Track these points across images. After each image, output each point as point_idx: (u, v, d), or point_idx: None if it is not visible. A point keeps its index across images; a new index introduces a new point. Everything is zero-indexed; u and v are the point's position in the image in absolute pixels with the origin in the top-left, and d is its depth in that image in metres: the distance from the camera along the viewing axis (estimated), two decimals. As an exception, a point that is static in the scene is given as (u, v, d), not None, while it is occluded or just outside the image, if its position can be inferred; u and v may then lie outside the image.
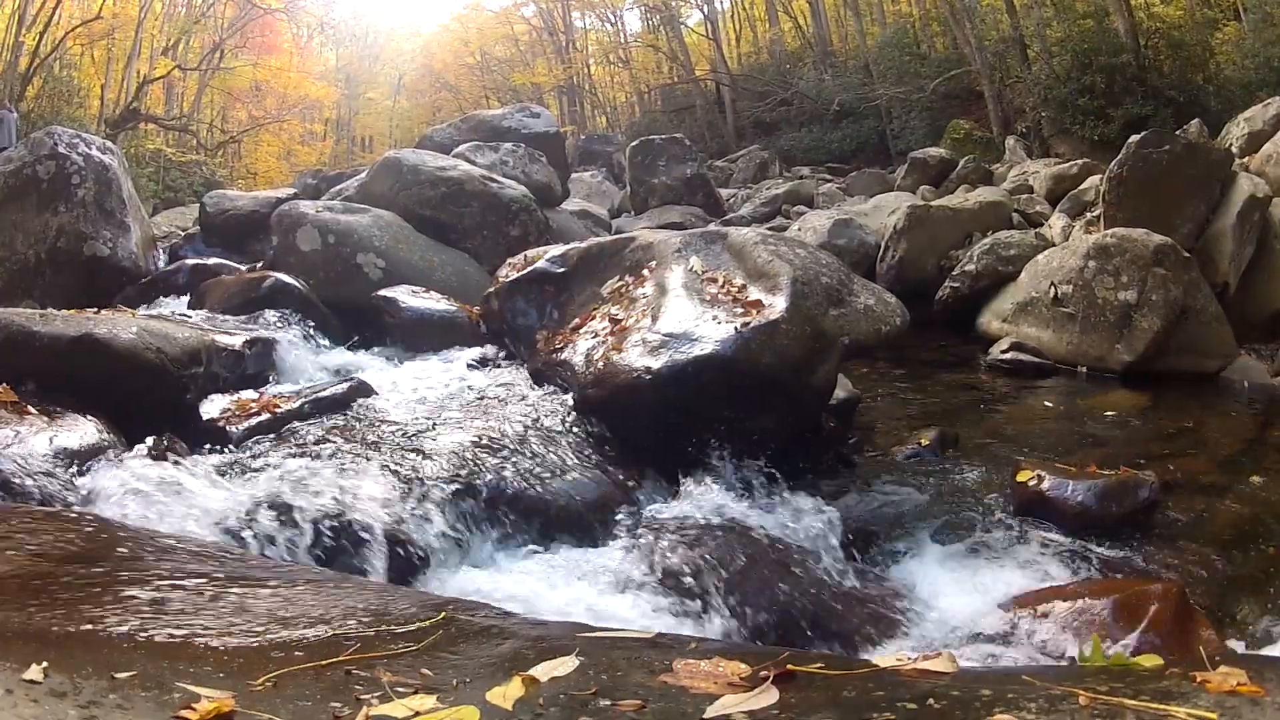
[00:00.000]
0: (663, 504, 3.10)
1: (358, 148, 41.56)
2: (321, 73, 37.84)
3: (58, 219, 6.17)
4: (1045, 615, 2.43)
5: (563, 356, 3.77)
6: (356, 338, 5.00)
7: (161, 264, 6.97)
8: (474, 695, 1.20)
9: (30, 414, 2.76)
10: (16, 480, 2.42)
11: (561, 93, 36.48)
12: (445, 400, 3.71)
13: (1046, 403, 5.41)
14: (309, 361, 4.51)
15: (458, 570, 2.55)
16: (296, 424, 3.30)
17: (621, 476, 3.16)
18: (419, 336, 4.80)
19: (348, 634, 1.54)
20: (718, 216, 12.20)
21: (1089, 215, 8.08)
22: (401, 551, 2.49)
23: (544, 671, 1.29)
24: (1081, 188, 9.40)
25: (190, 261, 6.65)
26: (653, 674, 1.32)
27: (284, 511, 2.47)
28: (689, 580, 2.54)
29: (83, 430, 2.78)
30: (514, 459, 3.00)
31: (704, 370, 3.16)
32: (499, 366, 4.31)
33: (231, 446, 3.09)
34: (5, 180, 6.31)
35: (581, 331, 3.85)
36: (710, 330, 3.27)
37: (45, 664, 1.14)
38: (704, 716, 1.13)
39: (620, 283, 4.07)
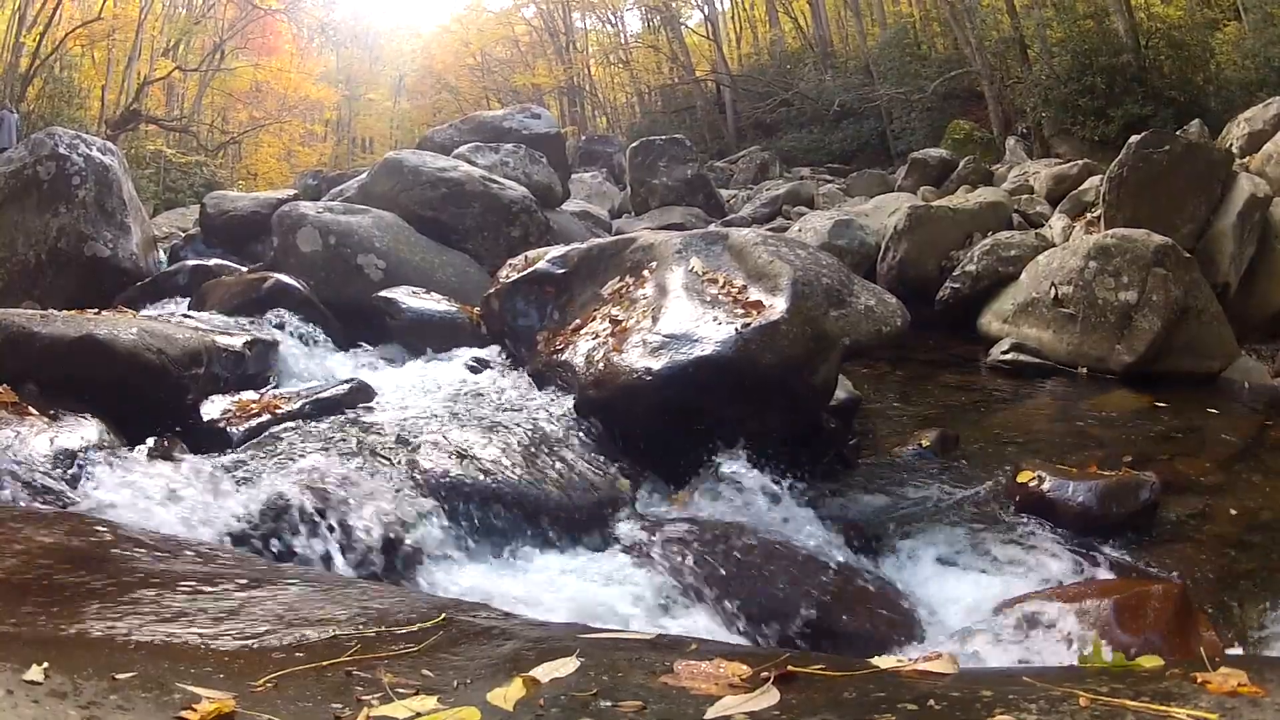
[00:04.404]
0: (663, 505, 3.10)
1: (358, 149, 41.52)
2: (322, 74, 37.74)
3: (58, 220, 6.16)
4: (1046, 616, 2.43)
5: (563, 357, 3.77)
6: (357, 339, 4.99)
7: (162, 265, 6.97)
8: (475, 696, 1.20)
9: (31, 415, 2.77)
10: (17, 481, 2.42)
11: (562, 93, 36.46)
12: (445, 401, 3.70)
13: (1047, 403, 5.41)
14: (309, 363, 4.51)
15: (458, 571, 2.55)
16: (297, 425, 3.29)
17: (622, 477, 3.16)
18: (420, 337, 4.80)
19: (348, 635, 1.54)
20: (718, 217, 12.19)
21: (1089, 216, 8.08)
22: (402, 552, 2.49)
23: (545, 672, 1.29)
24: (1082, 188, 9.38)
25: (191, 262, 6.62)
26: (653, 675, 1.33)
27: (284, 513, 2.48)
28: (690, 581, 2.54)
29: (83, 431, 2.78)
30: (514, 460, 3.00)
31: (704, 371, 3.17)
32: (499, 367, 4.31)
33: (232, 447, 3.09)
34: (6, 181, 6.30)
35: (582, 332, 3.85)
36: (711, 331, 3.27)
37: (46, 664, 1.14)
38: (705, 717, 1.13)
39: (621, 284, 4.07)
